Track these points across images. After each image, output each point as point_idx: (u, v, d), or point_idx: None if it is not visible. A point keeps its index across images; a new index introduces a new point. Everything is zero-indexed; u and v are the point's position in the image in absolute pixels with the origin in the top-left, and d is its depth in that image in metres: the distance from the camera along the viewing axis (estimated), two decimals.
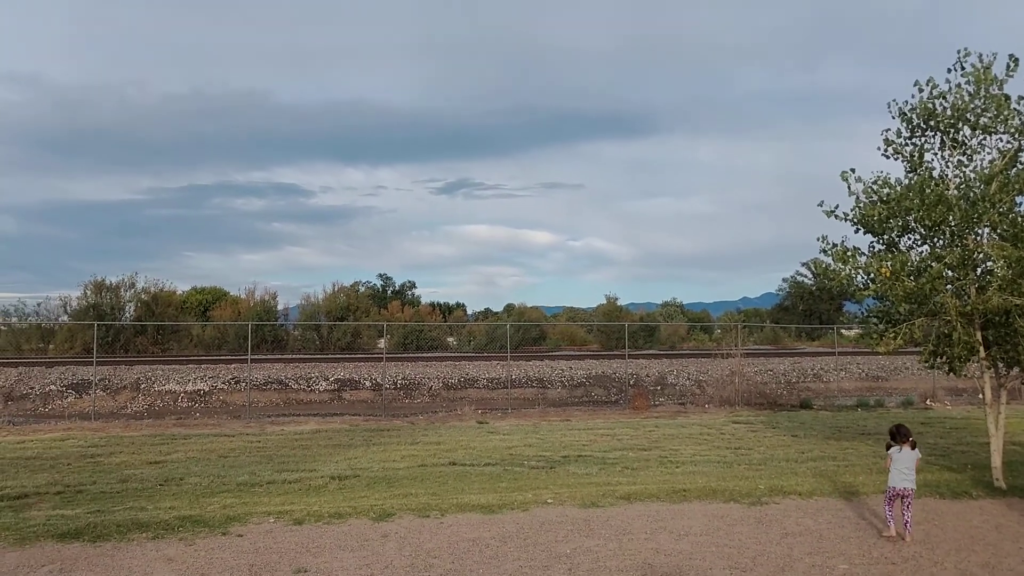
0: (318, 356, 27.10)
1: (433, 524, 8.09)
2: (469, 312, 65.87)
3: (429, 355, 26.69)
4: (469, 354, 26.90)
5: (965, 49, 9.72)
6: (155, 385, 21.35)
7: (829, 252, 9.90)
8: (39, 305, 35.82)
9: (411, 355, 26.33)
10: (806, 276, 55.54)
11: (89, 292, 34.88)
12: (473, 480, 10.54)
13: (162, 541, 7.39)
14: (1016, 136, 9.62)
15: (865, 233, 10.15)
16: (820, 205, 9.95)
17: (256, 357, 21.38)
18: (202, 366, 22.99)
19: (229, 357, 24.08)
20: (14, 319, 35.66)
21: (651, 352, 28.72)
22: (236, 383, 21.62)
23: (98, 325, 23.64)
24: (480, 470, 11.27)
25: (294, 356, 26.06)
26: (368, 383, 22.54)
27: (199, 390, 21.35)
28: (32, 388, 20.78)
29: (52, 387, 20.93)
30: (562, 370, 24.49)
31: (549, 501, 9.20)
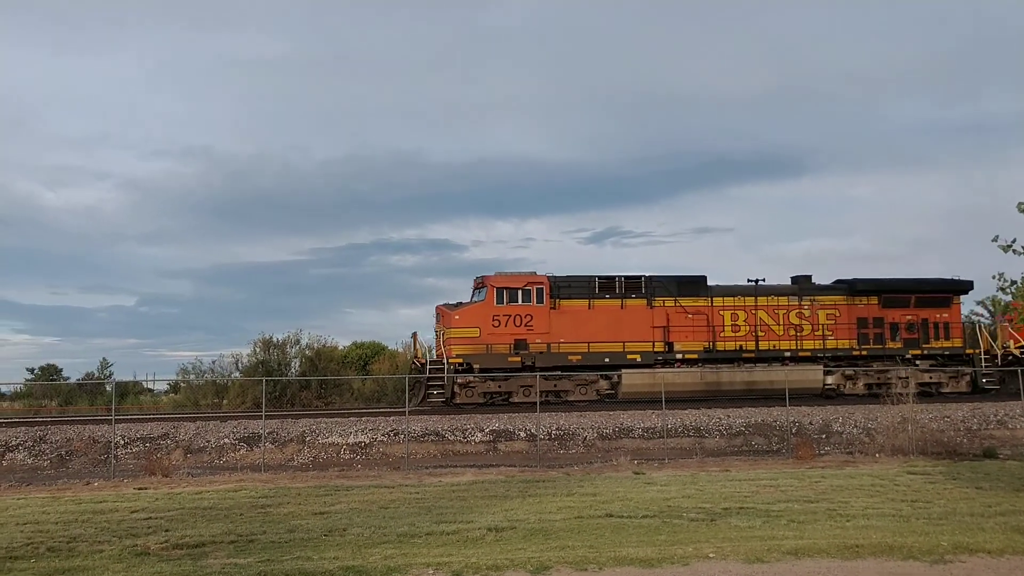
0: (473, 407, 27.53)
1: None
2: None
3: (582, 405, 26.55)
4: (623, 403, 26.60)
5: None
6: (319, 438, 22.15)
7: (1008, 290, 9.25)
8: (214, 363, 38.11)
9: (564, 407, 26.25)
10: (982, 315, 52.19)
11: (258, 349, 36.87)
12: (630, 532, 10.32)
13: None
14: None
15: None
16: (995, 240, 9.33)
17: (413, 409, 21.88)
18: (363, 419, 23.70)
19: (388, 410, 24.81)
20: (192, 376, 38.06)
21: (814, 398, 27.51)
22: (395, 435, 22.16)
23: (266, 380, 24.85)
24: (637, 522, 11.02)
25: (450, 408, 26.53)
26: (523, 434, 22.61)
27: (360, 442, 22.00)
28: (208, 441, 21.99)
29: (226, 440, 22.07)
30: (719, 418, 23.80)
31: (711, 555, 8.88)
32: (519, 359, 26.95)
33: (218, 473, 18.88)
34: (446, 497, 13.82)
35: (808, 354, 28.56)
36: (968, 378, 28.70)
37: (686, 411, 24.33)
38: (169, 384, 43.79)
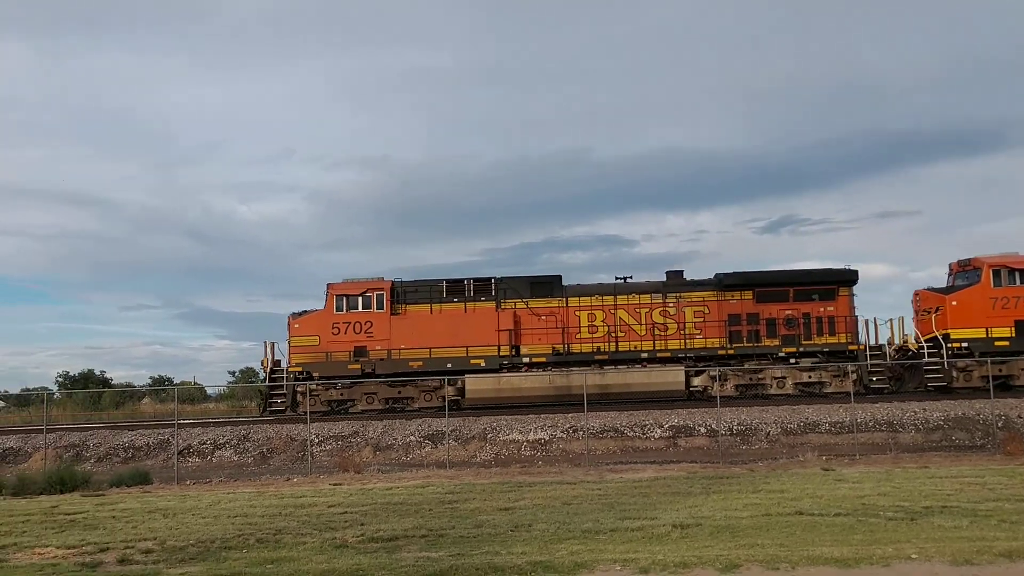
0: (651, 403, 27.18)
1: None
2: None
3: (764, 399, 25.71)
4: (807, 396, 25.55)
5: None
6: (500, 435, 22.59)
7: None
8: None
9: (745, 401, 25.50)
10: None
11: None
12: (823, 531, 9.91)
13: None
14: None
15: None
16: None
17: (591, 407, 21.90)
18: (541, 416, 23.96)
19: (567, 406, 24.88)
20: None
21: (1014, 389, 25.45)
22: (574, 432, 22.28)
23: (447, 380, 25.52)
24: (830, 520, 10.57)
25: (627, 403, 26.36)
26: (703, 429, 22.20)
27: (540, 439, 22.27)
28: (395, 439, 22.89)
29: (412, 438, 22.90)
30: (914, 412, 22.46)
31: (913, 556, 8.40)
32: (359, 366, 26.66)
33: (406, 470, 19.62)
34: (628, 493, 13.76)
35: (668, 355, 26.83)
36: (855, 376, 25.87)
37: (877, 405, 23.12)
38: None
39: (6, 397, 49.68)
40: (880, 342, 27.10)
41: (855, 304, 27.35)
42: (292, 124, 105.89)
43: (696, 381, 26.54)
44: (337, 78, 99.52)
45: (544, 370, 26.75)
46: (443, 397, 25.05)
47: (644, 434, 22.27)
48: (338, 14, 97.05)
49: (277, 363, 27.27)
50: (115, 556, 9.83)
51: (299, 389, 26.42)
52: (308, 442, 21.65)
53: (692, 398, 26.64)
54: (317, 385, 26.41)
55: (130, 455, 22.98)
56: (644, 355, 26.81)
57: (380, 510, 12.84)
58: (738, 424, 22.31)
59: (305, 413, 23.76)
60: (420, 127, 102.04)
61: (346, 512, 12.75)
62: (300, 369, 26.78)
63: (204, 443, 23.31)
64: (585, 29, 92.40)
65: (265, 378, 27.74)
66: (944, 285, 27.64)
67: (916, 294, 27.91)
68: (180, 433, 22.34)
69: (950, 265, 27.63)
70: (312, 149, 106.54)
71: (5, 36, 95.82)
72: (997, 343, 25.64)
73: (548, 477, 16.77)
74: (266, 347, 27.35)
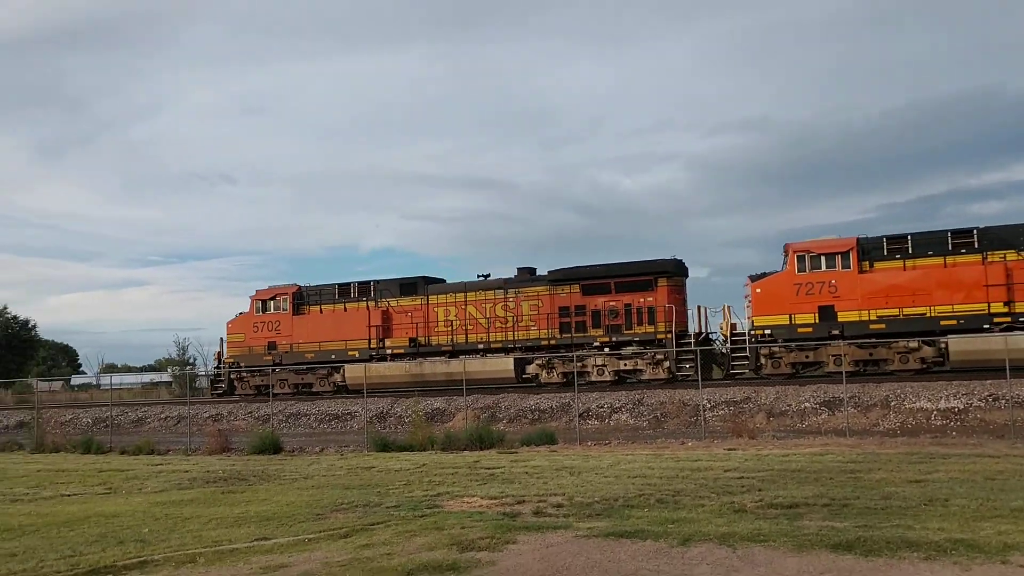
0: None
1: None
2: None
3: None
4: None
5: None
6: (905, 403, 21.01)
7: None
8: None
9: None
10: None
11: None
12: None
13: (935, 563, 7.15)
14: None
15: None
16: None
17: None
18: (952, 383, 21.84)
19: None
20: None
21: None
22: (993, 400, 20.04)
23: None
24: None
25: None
26: None
27: (952, 408, 20.34)
28: (789, 406, 22.26)
29: (806, 404, 22.11)
30: None
31: None
32: (271, 358, 32.69)
33: (801, 437, 19.03)
34: None
35: (500, 345, 29.33)
36: (667, 364, 27.08)
37: None
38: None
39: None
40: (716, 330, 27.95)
41: (685, 293, 28.69)
42: (666, 95, 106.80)
43: (529, 369, 28.92)
44: (707, 45, 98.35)
45: (403, 360, 30.56)
46: (334, 383, 31.73)
47: None
48: None
49: (219, 355, 35.07)
50: (530, 508, 10.72)
51: (232, 376, 33.76)
52: (700, 407, 21.84)
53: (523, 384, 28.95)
54: (246, 374, 33.34)
55: (536, 417, 24.86)
56: (481, 346, 29.79)
57: (777, 476, 12.59)
58: None
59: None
60: (798, 84, 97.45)
61: (742, 477, 12.68)
62: (232, 360, 33.94)
63: (602, 407, 24.51)
64: None
65: (217, 366, 35.28)
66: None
67: (747, 280, 27.25)
68: (580, 397, 23.69)
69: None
70: (689, 117, 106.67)
71: (410, 45, 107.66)
72: (800, 329, 25.31)
73: (965, 449, 15.30)
74: (222, 343, 34.76)
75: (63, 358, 79.39)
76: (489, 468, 15.17)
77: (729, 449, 16.85)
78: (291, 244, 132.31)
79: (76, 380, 72.90)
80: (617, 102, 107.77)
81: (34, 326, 75.72)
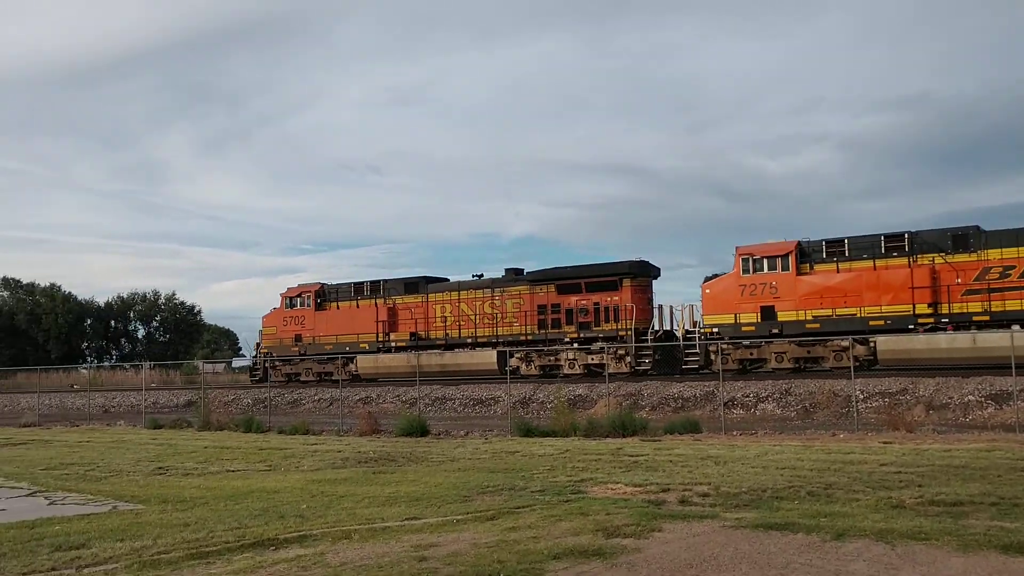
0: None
1: None
2: None
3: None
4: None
5: None
6: None
7: None
8: None
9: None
10: None
11: None
12: None
13: None
14: None
15: None
16: None
17: None
18: None
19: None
20: None
21: None
22: None
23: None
24: None
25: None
26: None
27: None
28: (951, 398, 21.11)
29: (970, 397, 20.92)
30: None
31: None
32: (297, 349, 36.76)
33: (965, 431, 18.01)
34: None
35: (486, 339, 31.94)
36: (628, 359, 28.92)
37: None
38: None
39: None
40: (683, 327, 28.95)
41: (651, 293, 30.62)
42: (818, 72, 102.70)
43: (512, 362, 30.33)
44: (862, 19, 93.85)
45: (404, 352, 33.44)
46: (349, 372, 34.96)
47: None
48: None
49: (258, 345, 39.12)
50: (675, 497, 10.59)
51: (267, 365, 37.80)
52: (852, 398, 21.00)
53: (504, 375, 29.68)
54: (279, 363, 37.44)
55: (679, 405, 24.57)
56: (470, 340, 32.45)
57: (938, 472, 11.95)
58: None
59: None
60: (960, 58, 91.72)
61: (900, 472, 12.10)
62: (267, 351, 38.15)
63: (747, 396, 23.97)
64: None
65: (255, 355, 39.60)
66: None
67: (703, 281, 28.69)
68: (724, 386, 23.23)
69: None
70: (841, 95, 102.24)
71: (553, 32, 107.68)
72: (744, 328, 26.53)
73: None
74: (260, 335, 38.84)
75: (224, 341, 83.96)
76: (632, 455, 15.09)
77: (885, 442, 16.12)
78: (435, 232, 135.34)
79: (237, 363, 77.13)
80: (764, 83, 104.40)
81: (199, 311, 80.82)
